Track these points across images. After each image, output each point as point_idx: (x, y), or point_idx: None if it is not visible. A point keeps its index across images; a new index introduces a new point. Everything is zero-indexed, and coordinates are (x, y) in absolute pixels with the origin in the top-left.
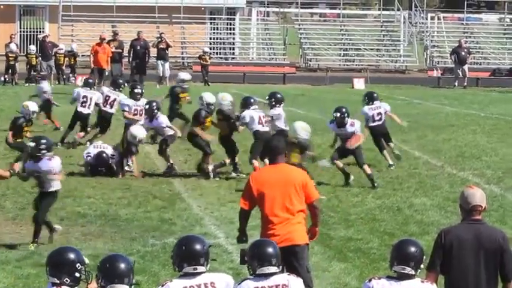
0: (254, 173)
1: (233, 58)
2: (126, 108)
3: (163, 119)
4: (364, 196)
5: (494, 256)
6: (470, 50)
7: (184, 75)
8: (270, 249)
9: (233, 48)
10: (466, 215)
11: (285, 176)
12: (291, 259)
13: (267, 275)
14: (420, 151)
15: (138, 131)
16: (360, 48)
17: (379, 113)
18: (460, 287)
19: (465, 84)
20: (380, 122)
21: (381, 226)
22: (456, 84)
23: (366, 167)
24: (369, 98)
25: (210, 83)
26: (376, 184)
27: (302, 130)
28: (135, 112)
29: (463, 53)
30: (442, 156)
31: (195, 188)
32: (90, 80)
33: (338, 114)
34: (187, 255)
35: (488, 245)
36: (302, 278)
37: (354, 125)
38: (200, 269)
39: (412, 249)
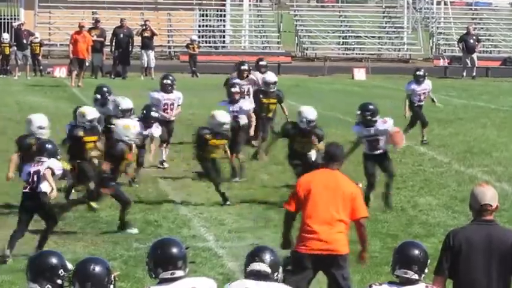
0: (304, 175)
1: (223, 47)
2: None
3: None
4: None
5: (506, 260)
6: (480, 37)
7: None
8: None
9: (223, 37)
10: (476, 215)
11: (335, 183)
12: (331, 267)
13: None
14: (425, 147)
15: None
16: (360, 36)
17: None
18: None
19: (474, 74)
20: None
21: (383, 227)
22: (464, 74)
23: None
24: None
25: (198, 74)
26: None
27: (311, 112)
28: (165, 107)
29: (471, 41)
30: (449, 152)
31: (182, 188)
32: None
33: (367, 113)
34: (163, 260)
35: (500, 247)
36: (339, 285)
37: (387, 122)
38: (178, 273)
39: (415, 252)
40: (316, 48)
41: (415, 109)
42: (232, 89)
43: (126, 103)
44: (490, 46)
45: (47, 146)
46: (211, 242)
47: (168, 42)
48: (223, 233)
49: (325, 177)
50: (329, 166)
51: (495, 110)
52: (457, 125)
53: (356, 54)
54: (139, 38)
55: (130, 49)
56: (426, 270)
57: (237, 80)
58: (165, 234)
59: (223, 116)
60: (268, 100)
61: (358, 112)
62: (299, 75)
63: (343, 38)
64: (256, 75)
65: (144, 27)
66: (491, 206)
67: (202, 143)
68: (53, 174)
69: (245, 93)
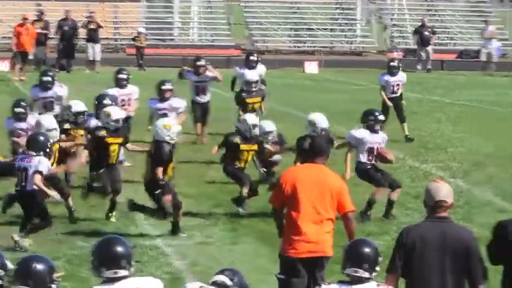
0: (288, 169)
1: (171, 40)
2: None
3: None
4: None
5: (460, 258)
6: (435, 29)
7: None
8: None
9: (171, 29)
10: (430, 211)
11: (321, 178)
12: (315, 269)
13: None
14: None
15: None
16: (312, 28)
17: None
18: None
19: (429, 67)
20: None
21: (334, 225)
22: (419, 67)
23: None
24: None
25: (145, 68)
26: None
27: (323, 120)
28: (123, 103)
29: (426, 33)
30: (403, 147)
31: (128, 183)
32: None
33: (377, 114)
34: (106, 259)
35: (455, 245)
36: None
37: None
38: (122, 272)
39: (366, 250)
40: (266, 41)
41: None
42: (163, 87)
43: (78, 106)
44: (445, 38)
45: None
46: (158, 240)
47: (114, 34)
48: (170, 230)
49: (311, 172)
50: (315, 160)
51: (450, 104)
52: (411, 119)
53: (308, 47)
54: (85, 30)
55: (75, 42)
56: (377, 269)
57: (194, 77)
58: (111, 233)
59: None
60: (253, 100)
61: (366, 117)
62: None
63: (294, 30)
64: (244, 72)
65: (89, 20)
66: (446, 202)
67: (234, 148)
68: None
69: (205, 89)
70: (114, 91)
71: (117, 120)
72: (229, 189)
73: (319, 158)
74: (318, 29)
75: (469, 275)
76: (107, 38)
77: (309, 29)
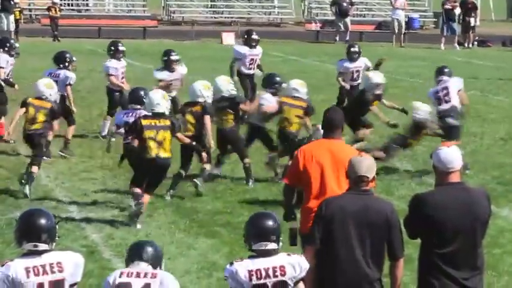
0: (304, 146)
1: (87, 10)
2: (112, 72)
3: None
4: (235, 165)
5: (381, 231)
6: (353, 0)
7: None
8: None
9: None
10: (353, 184)
11: (336, 153)
12: None
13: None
14: None
15: None
16: None
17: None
18: (341, 262)
19: (347, 38)
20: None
21: (252, 198)
22: (337, 38)
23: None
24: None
25: (60, 39)
26: None
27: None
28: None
29: (344, 4)
30: (320, 119)
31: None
32: None
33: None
34: (27, 231)
35: (375, 218)
36: None
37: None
38: (42, 246)
39: (270, 223)
40: (183, 12)
41: (345, 90)
42: (172, 57)
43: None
44: (364, 10)
45: None
46: (74, 213)
47: (29, 4)
48: (86, 203)
49: (328, 149)
50: (329, 135)
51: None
52: (329, 91)
53: (225, 18)
54: None
55: None
56: (281, 238)
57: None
58: (26, 206)
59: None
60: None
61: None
62: (165, 40)
63: (211, 1)
64: (243, 49)
65: None
66: (367, 178)
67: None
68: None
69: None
70: (113, 63)
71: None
72: None
73: (334, 132)
74: None
75: (389, 247)
76: (21, 8)
77: None
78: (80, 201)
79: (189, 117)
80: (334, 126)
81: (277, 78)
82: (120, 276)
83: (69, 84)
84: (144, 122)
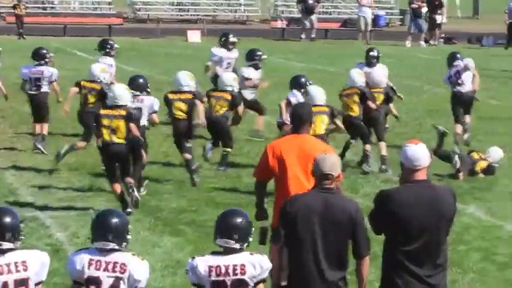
0: (273, 141)
1: (52, 8)
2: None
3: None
4: (200, 162)
5: (345, 229)
6: None
7: None
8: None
9: None
10: (317, 182)
11: (305, 148)
12: None
13: (107, 251)
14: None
15: None
16: None
17: None
18: (304, 260)
19: (313, 36)
20: None
21: (218, 196)
22: (303, 36)
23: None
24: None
25: (25, 36)
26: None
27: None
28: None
29: (310, 2)
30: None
31: (7, 153)
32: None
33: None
34: None
35: (340, 217)
36: None
37: None
38: (6, 245)
39: (237, 220)
40: (148, 10)
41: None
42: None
43: None
44: (329, 7)
45: None
46: (38, 212)
47: None
48: (51, 202)
49: (293, 144)
50: (298, 130)
51: (334, 74)
52: None
53: (191, 15)
54: None
55: None
56: (250, 239)
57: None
58: None
59: None
60: None
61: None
62: (131, 38)
63: None
64: (220, 52)
65: None
66: (332, 175)
67: None
68: None
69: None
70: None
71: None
72: None
73: (302, 126)
74: None
75: (354, 246)
76: None
77: None
78: (44, 199)
79: (180, 104)
80: (302, 121)
81: (258, 52)
82: (88, 268)
83: (55, 81)
84: (103, 112)
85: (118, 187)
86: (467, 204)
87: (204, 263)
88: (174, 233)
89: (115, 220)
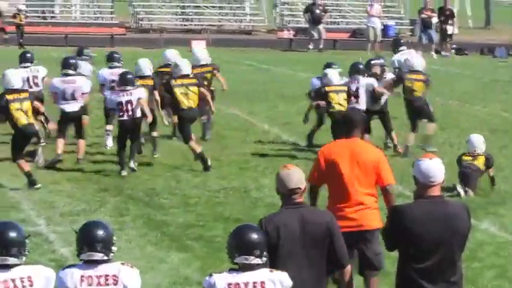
0: (324, 146)
1: (53, 17)
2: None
3: None
4: (206, 177)
5: (322, 242)
6: (326, 7)
7: None
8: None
9: (53, 6)
10: (287, 199)
11: (356, 153)
12: (360, 243)
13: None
14: (270, 124)
15: None
16: (199, 6)
17: None
18: (290, 278)
19: (321, 46)
20: None
21: (225, 211)
22: (311, 46)
23: None
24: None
25: (26, 46)
26: None
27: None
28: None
29: (318, 11)
30: (295, 130)
31: (9, 166)
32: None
33: None
34: None
35: (314, 229)
36: (369, 260)
37: None
38: (12, 260)
39: (254, 235)
40: (151, 19)
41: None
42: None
43: None
44: (337, 17)
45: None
46: (41, 227)
47: None
48: (54, 216)
49: (345, 148)
50: (349, 135)
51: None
52: (303, 101)
53: (195, 25)
54: None
55: None
56: (265, 253)
57: None
58: None
59: None
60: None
61: None
62: (134, 48)
63: (181, 8)
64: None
65: None
66: (299, 189)
67: None
68: None
69: None
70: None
71: None
72: (115, 172)
73: (353, 131)
74: (206, 6)
75: (333, 257)
76: None
77: (196, 6)
78: (47, 214)
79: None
80: (354, 126)
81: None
82: (81, 285)
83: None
84: (9, 97)
85: (26, 165)
86: (480, 220)
87: (223, 280)
88: (181, 248)
89: (101, 231)
